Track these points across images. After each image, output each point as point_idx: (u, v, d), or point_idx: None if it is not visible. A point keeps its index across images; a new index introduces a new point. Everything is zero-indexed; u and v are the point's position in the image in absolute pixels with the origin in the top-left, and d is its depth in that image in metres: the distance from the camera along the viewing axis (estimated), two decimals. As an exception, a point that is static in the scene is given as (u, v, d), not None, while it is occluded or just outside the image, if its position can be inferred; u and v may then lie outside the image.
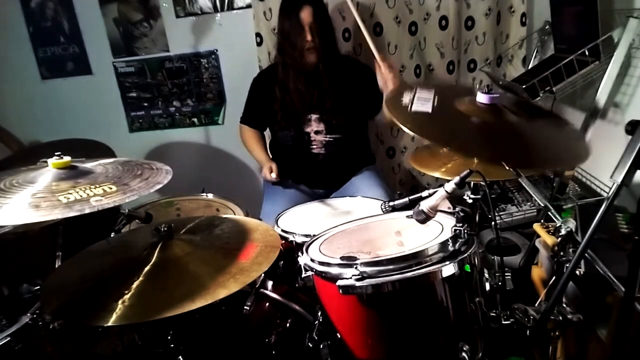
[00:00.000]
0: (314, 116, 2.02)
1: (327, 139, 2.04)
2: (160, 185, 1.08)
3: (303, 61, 1.93)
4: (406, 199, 1.28)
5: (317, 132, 2.04)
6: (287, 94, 2.00)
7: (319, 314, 1.18)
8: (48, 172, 1.07)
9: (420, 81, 2.37)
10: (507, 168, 1.19)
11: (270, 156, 2.18)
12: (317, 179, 2.12)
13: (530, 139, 1.16)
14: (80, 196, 0.97)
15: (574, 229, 1.16)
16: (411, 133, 1.08)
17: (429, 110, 1.17)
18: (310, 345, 1.17)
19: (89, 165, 1.16)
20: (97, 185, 1.03)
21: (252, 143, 2.19)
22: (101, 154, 1.75)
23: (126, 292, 0.96)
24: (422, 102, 1.20)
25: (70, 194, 0.98)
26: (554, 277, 1.22)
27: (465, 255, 1.03)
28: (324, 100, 1.99)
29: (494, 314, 1.11)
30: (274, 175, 1.97)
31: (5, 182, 1.05)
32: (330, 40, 1.96)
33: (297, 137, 2.05)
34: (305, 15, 1.84)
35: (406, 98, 1.22)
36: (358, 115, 2.10)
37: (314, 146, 2.06)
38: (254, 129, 2.21)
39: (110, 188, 1.02)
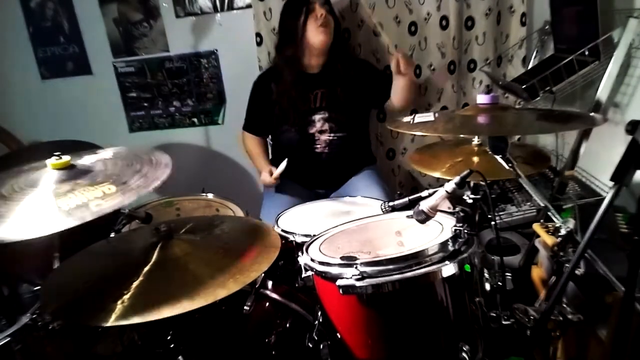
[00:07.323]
0: (317, 116, 2.03)
1: (331, 137, 2.05)
2: (159, 182, 1.07)
3: (305, 54, 1.99)
4: (406, 199, 1.29)
5: (321, 132, 2.05)
6: (287, 96, 2.01)
7: (319, 314, 1.18)
8: (47, 173, 1.07)
9: (421, 81, 2.37)
10: (507, 167, 1.19)
11: (270, 160, 2.18)
12: (318, 178, 2.12)
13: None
14: (81, 201, 0.97)
15: (574, 229, 1.15)
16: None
17: (432, 119, 1.29)
18: (310, 345, 1.17)
19: (87, 162, 1.16)
20: (96, 187, 1.03)
21: (254, 151, 2.17)
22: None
23: (126, 292, 0.96)
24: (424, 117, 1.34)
25: (70, 198, 0.98)
26: (554, 277, 1.22)
27: (465, 255, 1.03)
28: (330, 98, 2.01)
29: (494, 314, 1.11)
30: (275, 175, 1.93)
31: (7, 186, 1.05)
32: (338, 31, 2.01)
33: (301, 139, 2.06)
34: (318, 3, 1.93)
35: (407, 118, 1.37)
36: (366, 107, 2.11)
37: (318, 146, 2.06)
38: (256, 137, 2.19)
39: (110, 189, 1.02)
